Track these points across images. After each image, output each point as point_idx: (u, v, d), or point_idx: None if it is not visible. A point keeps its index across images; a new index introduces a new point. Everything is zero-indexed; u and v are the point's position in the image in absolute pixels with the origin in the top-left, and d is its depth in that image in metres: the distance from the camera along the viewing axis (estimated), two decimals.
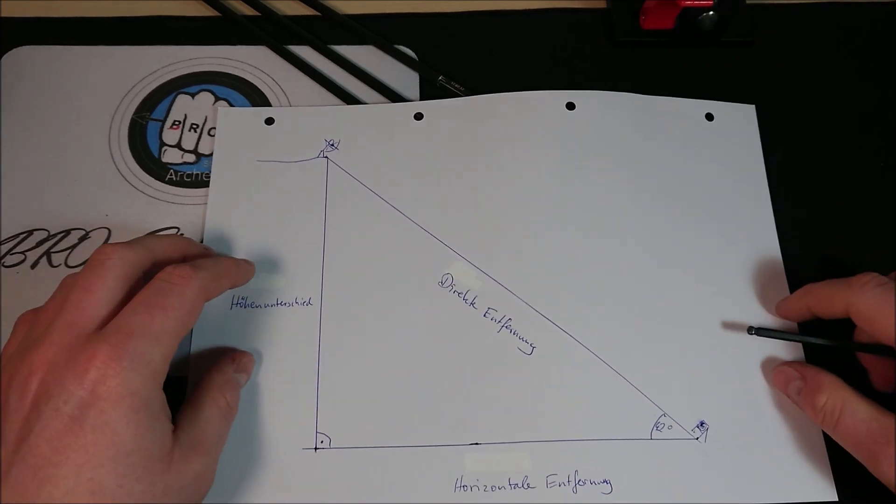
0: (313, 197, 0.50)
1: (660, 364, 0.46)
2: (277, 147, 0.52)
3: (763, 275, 0.49)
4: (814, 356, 0.47)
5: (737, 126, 0.54)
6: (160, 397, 0.37)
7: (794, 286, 0.49)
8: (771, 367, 0.46)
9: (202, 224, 0.50)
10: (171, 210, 0.50)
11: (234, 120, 0.53)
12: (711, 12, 0.54)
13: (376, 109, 0.54)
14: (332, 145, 0.52)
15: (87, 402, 0.34)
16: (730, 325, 0.48)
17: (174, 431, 0.38)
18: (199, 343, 0.46)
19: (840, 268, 0.50)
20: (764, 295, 0.49)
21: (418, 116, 0.53)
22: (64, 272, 0.48)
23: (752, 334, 0.44)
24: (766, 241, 0.50)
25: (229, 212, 0.50)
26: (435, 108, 0.53)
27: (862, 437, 0.40)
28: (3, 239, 0.49)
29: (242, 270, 0.46)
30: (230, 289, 0.45)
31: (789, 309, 0.47)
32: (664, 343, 0.47)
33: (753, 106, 0.55)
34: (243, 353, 0.45)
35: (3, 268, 0.48)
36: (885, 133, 0.55)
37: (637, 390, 0.45)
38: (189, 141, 0.53)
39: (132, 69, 0.55)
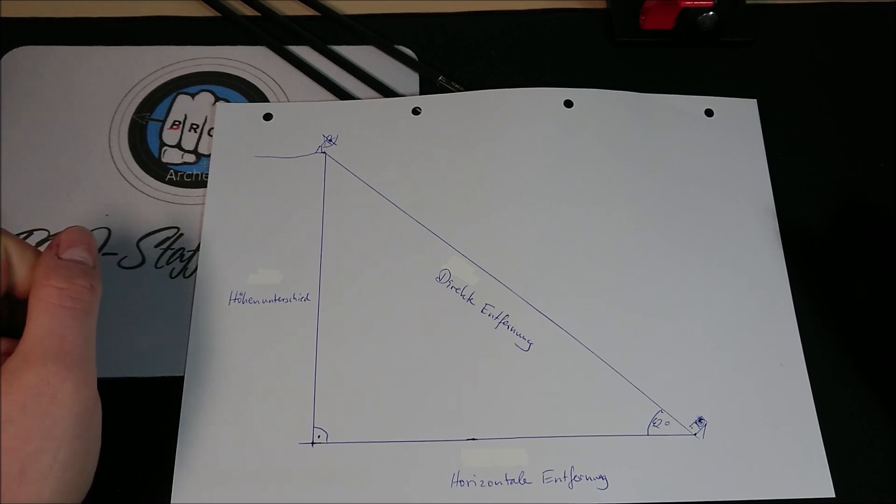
0: (311, 192, 0.50)
1: (657, 360, 0.46)
2: (276, 143, 0.52)
3: (763, 271, 0.49)
4: (810, 346, 0.47)
5: (737, 121, 0.54)
6: None
7: (794, 282, 0.49)
8: (770, 363, 0.46)
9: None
10: (171, 210, 0.50)
11: (232, 115, 0.53)
12: (711, 12, 0.54)
13: (374, 104, 0.54)
14: (331, 141, 0.52)
15: None
16: (729, 321, 0.47)
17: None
18: (196, 340, 0.46)
19: (840, 266, 0.50)
20: (764, 292, 0.48)
21: (416, 111, 0.53)
22: None
23: None
24: (766, 238, 0.50)
25: (227, 207, 0.50)
26: (433, 103, 0.53)
27: None
28: None
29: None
30: None
31: None
32: (662, 339, 0.47)
33: (755, 100, 0.55)
34: (64, 230, 0.40)
35: None
36: (885, 133, 0.55)
37: (633, 387, 0.45)
38: (189, 141, 0.53)
39: (132, 69, 0.55)
